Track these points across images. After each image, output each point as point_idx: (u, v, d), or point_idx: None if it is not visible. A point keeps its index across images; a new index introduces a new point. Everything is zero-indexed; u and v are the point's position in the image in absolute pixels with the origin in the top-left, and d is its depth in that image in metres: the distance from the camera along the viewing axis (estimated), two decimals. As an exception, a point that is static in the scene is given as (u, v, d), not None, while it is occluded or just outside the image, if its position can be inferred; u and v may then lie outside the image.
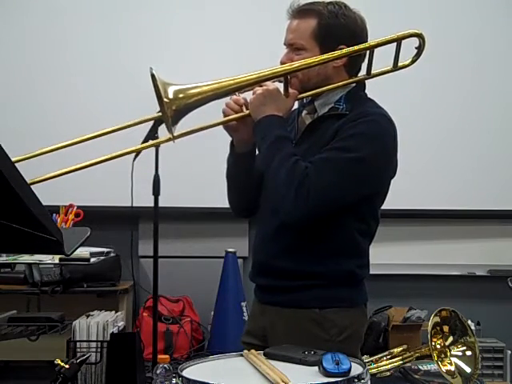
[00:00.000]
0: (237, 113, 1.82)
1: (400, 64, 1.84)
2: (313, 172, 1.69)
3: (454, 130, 4.05)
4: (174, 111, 1.68)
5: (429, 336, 2.75)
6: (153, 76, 1.67)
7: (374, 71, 1.84)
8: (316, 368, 1.38)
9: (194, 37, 3.97)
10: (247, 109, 1.82)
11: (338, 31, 1.80)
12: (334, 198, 1.72)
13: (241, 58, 3.73)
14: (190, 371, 1.42)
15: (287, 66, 1.79)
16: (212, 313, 3.79)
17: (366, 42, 1.82)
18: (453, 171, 4.05)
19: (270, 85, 1.78)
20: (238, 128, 1.86)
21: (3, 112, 3.93)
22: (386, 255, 3.89)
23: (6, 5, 4.00)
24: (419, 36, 1.80)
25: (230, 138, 1.92)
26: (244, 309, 3.71)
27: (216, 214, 3.83)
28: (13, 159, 0.98)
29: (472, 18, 4.06)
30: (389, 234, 3.82)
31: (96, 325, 3.25)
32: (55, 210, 3.03)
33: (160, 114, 1.77)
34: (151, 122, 2.42)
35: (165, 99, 1.67)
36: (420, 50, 1.82)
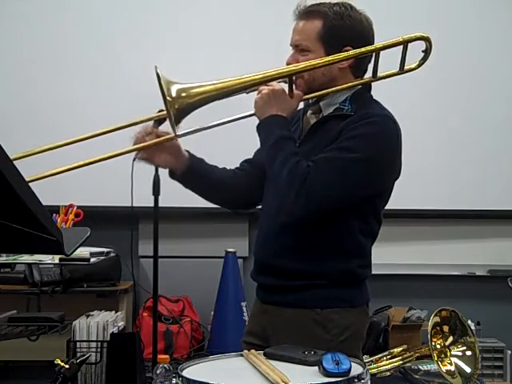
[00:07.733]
0: (140, 142, 1.81)
1: (406, 67, 1.82)
2: (314, 171, 1.69)
3: (455, 130, 4.05)
4: (176, 110, 1.69)
5: (429, 336, 2.75)
6: (157, 75, 1.67)
7: (380, 74, 1.82)
8: (316, 368, 1.37)
9: (198, 36, 3.96)
10: (157, 137, 1.81)
11: (344, 32, 1.79)
12: (335, 198, 1.72)
13: (244, 58, 3.73)
14: (190, 371, 1.42)
15: (292, 67, 1.79)
16: (212, 313, 3.78)
17: (372, 43, 1.81)
18: (453, 171, 4.05)
19: (276, 85, 1.78)
20: (154, 155, 1.86)
21: (2, 110, 3.92)
22: (386, 255, 3.88)
23: (7, 2, 4.00)
24: (426, 39, 1.77)
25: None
26: (244, 309, 3.71)
27: (216, 214, 3.82)
28: (11, 156, 0.97)
29: (474, 22, 4.06)
30: (389, 234, 3.79)
31: (96, 325, 3.25)
32: (55, 210, 3.02)
33: (161, 113, 1.78)
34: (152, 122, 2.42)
35: (168, 98, 1.68)
36: (427, 53, 1.79)
